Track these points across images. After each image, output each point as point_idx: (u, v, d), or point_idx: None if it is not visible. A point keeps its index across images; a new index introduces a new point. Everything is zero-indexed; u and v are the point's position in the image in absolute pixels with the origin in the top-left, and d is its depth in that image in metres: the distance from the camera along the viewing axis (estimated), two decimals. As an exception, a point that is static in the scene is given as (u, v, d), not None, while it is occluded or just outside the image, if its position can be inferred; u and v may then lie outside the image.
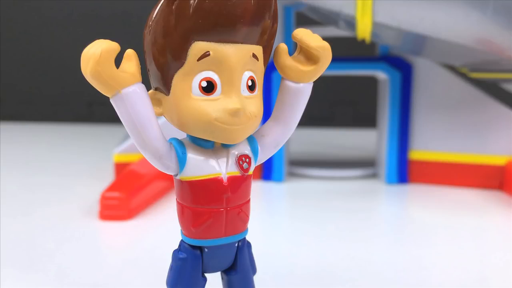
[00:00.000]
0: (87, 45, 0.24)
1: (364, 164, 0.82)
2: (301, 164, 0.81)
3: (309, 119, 1.16)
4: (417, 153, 0.73)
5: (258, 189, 0.71)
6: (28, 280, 0.42)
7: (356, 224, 0.57)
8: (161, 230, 0.54)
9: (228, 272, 0.30)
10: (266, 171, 0.75)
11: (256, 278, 0.31)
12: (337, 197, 0.68)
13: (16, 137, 1.23)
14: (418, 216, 0.61)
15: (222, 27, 0.24)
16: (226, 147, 0.28)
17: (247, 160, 0.28)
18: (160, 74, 0.26)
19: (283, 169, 0.75)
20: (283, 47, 0.28)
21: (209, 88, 0.25)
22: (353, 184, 0.75)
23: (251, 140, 0.29)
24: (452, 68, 0.72)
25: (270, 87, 0.72)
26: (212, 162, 0.27)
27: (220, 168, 0.27)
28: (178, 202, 0.28)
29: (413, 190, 0.71)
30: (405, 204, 0.67)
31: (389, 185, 0.73)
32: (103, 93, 0.25)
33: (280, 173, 0.75)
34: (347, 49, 0.77)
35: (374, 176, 0.79)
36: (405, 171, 0.73)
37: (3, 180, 0.77)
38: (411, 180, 0.74)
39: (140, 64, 0.26)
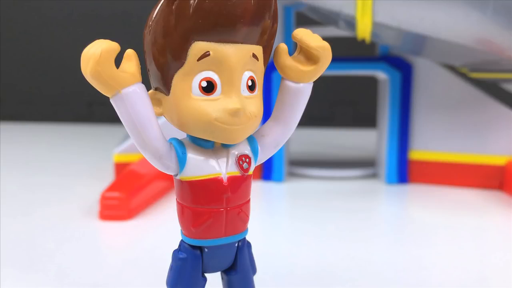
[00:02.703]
0: (87, 45, 0.24)
1: (364, 164, 0.82)
2: (301, 164, 0.81)
3: (309, 119, 1.16)
4: (417, 153, 0.73)
5: (258, 189, 0.71)
6: (28, 280, 0.42)
7: (356, 224, 0.57)
8: (161, 230, 0.54)
9: (228, 272, 0.30)
10: (266, 171, 0.75)
11: (256, 278, 0.31)
12: (337, 197, 0.68)
13: (16, 137, 1.23)
14: (418, 216, 0.61)
15: (222, 27, 0.24)
16: (226, 147, 0.28)
17: (247, 160, 0.28)
18: (160, 74, 0.26)
19: (283, 169, 0.75)
20: (283, 47, 0.28)
21: (209, 88, 0.25)
22: (353, 184, 0.75)
23: (251, 140, 0.29)
24: (452, 68, 0.72)
25: (270, 87, 0.72)
26: (212, 162, 0.27)
27: (220, 168, 0.27)
28: (178, 202, 0.28)
29: (413, 190, 0.71)
30: (405, 204, 0.67)
31: (389, 185, 0.73)
32: (103, 93, 0.25)
33: (280, 173, 0.75)
34: (347, 49, 0.77)
35: (374, 176, 0.79)
36: (405, 171, 0.73)
37: (3, 180, 0.77)
38: (411, 180, 0.74)
39: (140, 64, 0.26)
